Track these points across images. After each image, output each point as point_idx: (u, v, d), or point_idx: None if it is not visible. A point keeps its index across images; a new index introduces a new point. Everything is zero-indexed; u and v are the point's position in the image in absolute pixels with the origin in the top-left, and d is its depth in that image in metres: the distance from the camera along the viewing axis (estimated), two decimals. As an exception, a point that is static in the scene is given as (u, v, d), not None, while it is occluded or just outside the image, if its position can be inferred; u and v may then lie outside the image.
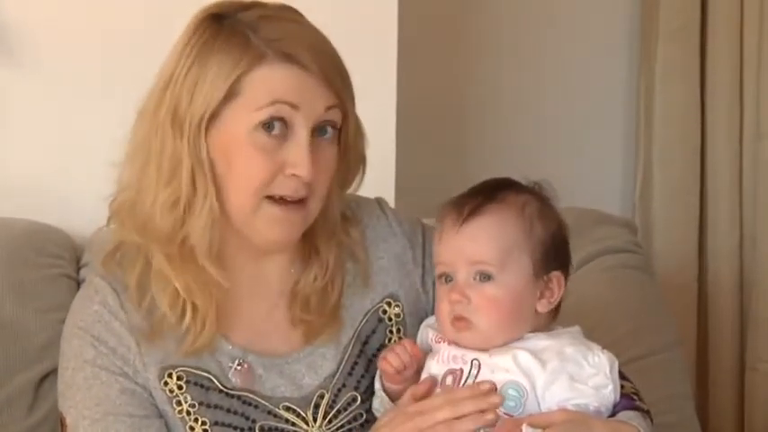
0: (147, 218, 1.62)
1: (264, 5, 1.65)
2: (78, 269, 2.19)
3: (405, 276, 1.77)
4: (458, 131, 3.02)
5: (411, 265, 1.77)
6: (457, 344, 1.63)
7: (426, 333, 1.70)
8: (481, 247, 1.62)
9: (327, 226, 1.71)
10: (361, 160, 1.72)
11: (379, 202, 1.83)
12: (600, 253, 2.37)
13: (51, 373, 2.05)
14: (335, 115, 1.63)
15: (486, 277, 1.61)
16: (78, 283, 2.17)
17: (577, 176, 3.01)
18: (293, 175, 1.60)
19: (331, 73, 1.61)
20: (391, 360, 1.64)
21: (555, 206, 1.69)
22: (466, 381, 1.60)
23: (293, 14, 1.66)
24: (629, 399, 1.63)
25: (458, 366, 1.61)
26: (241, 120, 1.59)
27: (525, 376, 1.57)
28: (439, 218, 1.68)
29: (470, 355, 1.61)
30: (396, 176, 2.34)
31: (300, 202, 1.63)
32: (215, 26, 1.61)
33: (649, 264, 2.63)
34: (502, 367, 1.59)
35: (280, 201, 1.61)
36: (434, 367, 1.64)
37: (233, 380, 1.67)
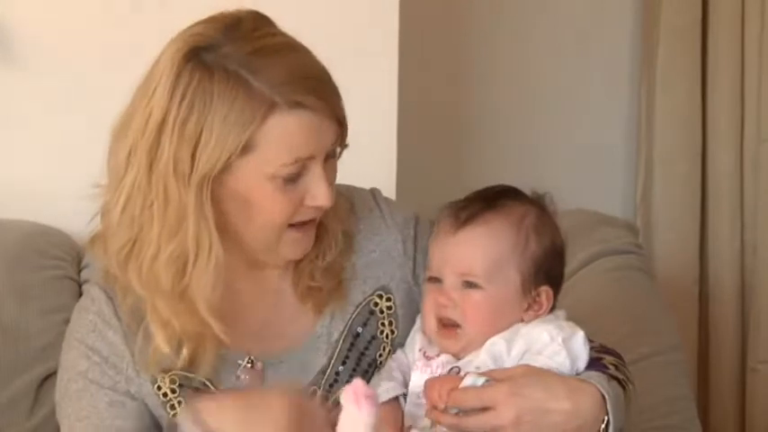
0: (148, 269, 1.60)
1: (240, 26, 1.58)
2: (79, 271, 2.20)
3: (396, 269, 1.76)
4: (459, 132, 3.02)
5: (402, 258, 1.77)
6: (443, 353, 1.64)
7: (415, 339, 1.70)
8: (470, 258, 1.62)
9: (332, 206, 1.69)
10: (343, 147, 1.69)
11: (374, 193, 1.82)
12: (601, 254, 2.37)
13: (52, 375, 2.04)
14: (340, 141, 1.63)
15: (472, 285, 1.62)
16: (80, 285, 2.17)
17: (579, 178, 3.01)
18: (314, 206, 1.61)
19: (333, 103, 1.60)
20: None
21: (554, 219, 1.68)
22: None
23: (273, 34, 1.61)
24: (601, 366, 1.62)
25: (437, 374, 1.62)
26: (258, 172, 1.57)
27: (495, 365, 1.58)
28: (436, 220, 1.69)
29: (449, 365, 1.62)
30: (397, 178, 2.34)
31: (313, 219, 1.65)
32: (203, 66, 1.55)
33: (650, 265, 2.63)
34: (474, 365, 1.59)
35: (299, 225, 1.63)
36: (418, 377, 1.64)
37: (241, 376, 1.68)
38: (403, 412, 1.64)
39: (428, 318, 1.65)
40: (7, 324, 2.06)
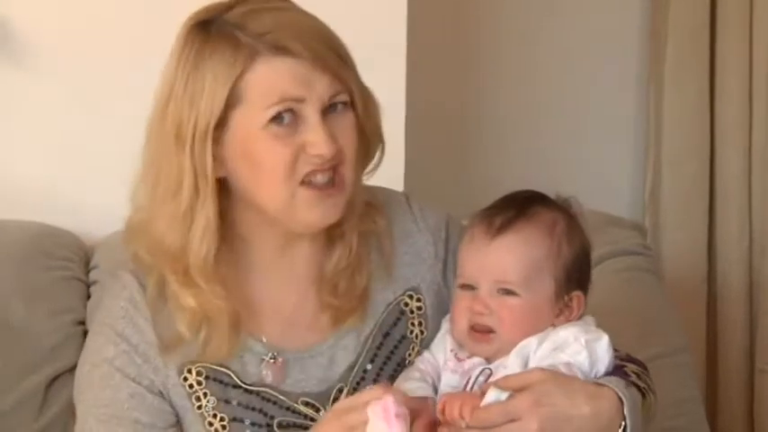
0: (157, 237, 1.62)
1: (247, 0, 1.63)
2: (88, 272, 2.20)
3: (427, 271, 1.77)
4: (467, 132, 3.02)
5: (433, 260, 1.77)
6: (473, 356, 1.64)
7: (445, 340, 1.70)
8: (507, 266, 1.63)
9: (353, 209, 1.69)
10: (379, 135, 1.71)
11: (407, 196, 1.83)
12: (609, 255, 2.37)
13: (61, 376, 2.06)
14: (340, 94, 1.62)
15: (508, 292, 1.63)
16: (88, 286, 2.18)
17: (587, 179, 3.00)
18: (315, 155, 1.60)
19: (326, 55, 1.60)
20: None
21: (581, 224, 1.69)
22: (472, 386, 1.61)
23: (278, 3, 1.65)
24: (622, 374, 1.63)
25: (466, 375, 1.63)
26: (250, 122, 1.59)
27: (523, 367, 1.59)
28: (468, 227, 1.69)
29: (481, 366, 1.62)
30: (405, 180, 2.34)
31: (334, 185, 1.63)
32: (203, 33, 1.60)
33: (658, 266, 2.63)
34: (513, 359, 1.60)
35: (312, 185, 1.61)
36: (449, 378, 1.65)
37: (264, 372, 1.68)
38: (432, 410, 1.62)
39: (460, 324, 1.65)
40: (15, 325, 2.06)
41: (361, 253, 1.72)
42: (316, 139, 1.59)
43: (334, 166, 1.62)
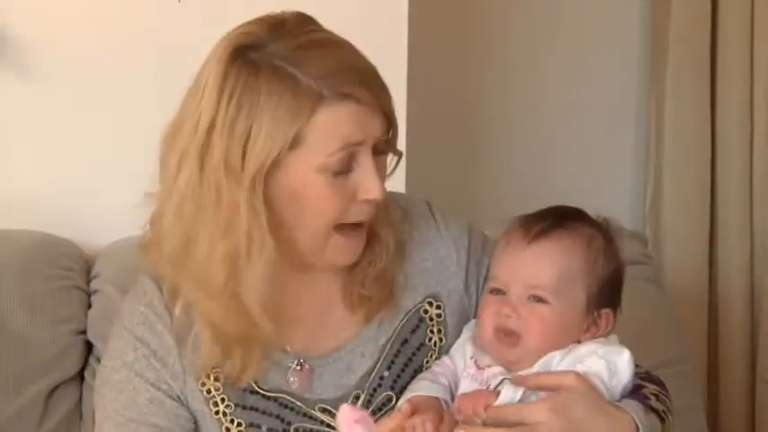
0: (201, 270, 1.60)
1: (285, 25, 1.60)
2: (89, 281, 2.19)
3: (448, 279, 1.77)
4: (467, 144, 3.02)
5: (455, 268, 1.77)
6: (492, 365, 1.63)
7: (465, 347, 1.70)
8: (541, 271, 1.63)
9: (384, 213, 1.70)
10: (395, 149, 1.70)
11: (429, 204, 1.83)
12: (610, 265, 2.36)
13: (61, 386, 2.06)
14: (387, 131, 1.63)
15: (539, 299, 1.62)
16: (89, 295, 2.17)
17: (587, 188, 3.01)
18: (366, 200, 1.60)
19: (380, 95, 1.60)
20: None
21: (618, 246, 1.69)
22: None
23: (318, 31, 1.63)
24: (642, 396, 1.63)
25: (484, 385, 1.62)
26: (308, 165, 1.57)
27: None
28: (505, 234, 1.69)
29: (501, 376, 1.61)
30: (405, 184, 2.34)
31: (362, 224, 1.64)
32: (249, 65, 1.56)
33: (660, 276, 2.63)
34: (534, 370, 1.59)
35: (347, 230, 1.62)
36: (468, 385, 1.64)
37: (291, 379, 1.68)
38: (446, 411, 1.63)
39: (486, 327, 1.64)
40: (16, 334, 2.06)
41: (391, 257, 1.72)
42: (370, 185, 1.59)
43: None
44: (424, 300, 1.75)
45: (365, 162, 1.59)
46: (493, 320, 1.63)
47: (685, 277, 2.97)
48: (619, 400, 1.59)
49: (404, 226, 1.75)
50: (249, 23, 1.61)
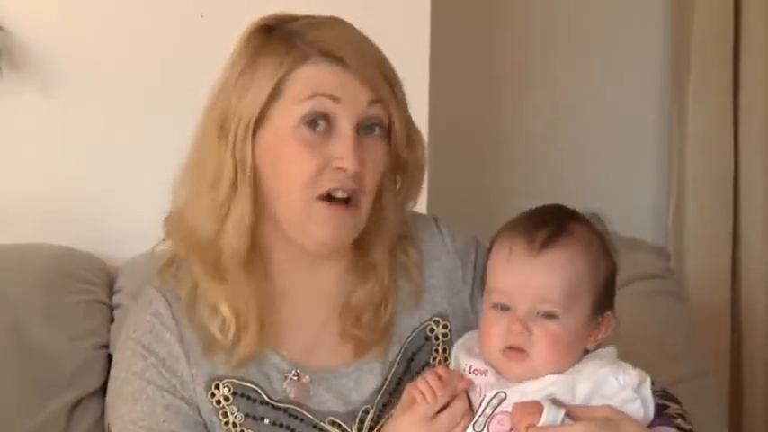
0: (192, 227, 1.65)
1: (313, 16, 1.67)
2: (111, 295, 2.20)
3: (454, 295, 1.77)
4: (489, 154, 3.02)
5: (461, 284, 1.77)
6: (493, 373, 1.61)
7: (457, 358, 1.68)
8: (551, 285, 1.57)
9: (384, 240, 1.71)
10: (422, 170, 1.72)
11: (435, 219, 1.83)
12: (631, 279, 2.36)
13: (84, 399, 2.06)
14: (378, 111, 1.63)
15: (549, 315, 1.58)
16: (111, 309, 2.18)
17: (610, 202, 2.97)
18: (339, 168, 1.60)
19: (372, 71, 1.62)
20: (421, 387, 1.61)
21: (610, 241, 1.65)
22: (485, 409, 1.58)
23: (342, 23, 1.68)
24: (668, 417, 1.62)
25: (482, 394, 1.60)
26: (285, 117, 1.61)
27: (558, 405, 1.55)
28: (503, 243, 1.62)
29: (496, 388, 1.59)
30: (428, 199, 2.33)
31: (349, 203, 1.63)
32: (264, 36, 1.64)
33: (682, 289, 2.62)
34: (533, 389, 1.57)
35: (329, 200, 1.62)
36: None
37: (287, 389, 1.68)
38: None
39: (495, 344, 1.59)
40: (39, 348, 2.07)
41: (390, 285, 1.72)
42: (342, 152, 1.60)
43: (353, 191, 1.62)
44: (431, 318, 1.75)
45: (343, 128, 1.61)
46: (502, 339, 1.58)
47: (708, 290, 2.96)
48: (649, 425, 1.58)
49: (413, 248, 1.75)
50: (283, 12, 1.69)
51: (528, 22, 3.01)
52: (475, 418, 1.58)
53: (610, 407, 1.54)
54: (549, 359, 1.57)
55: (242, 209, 1.62)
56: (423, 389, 1.59)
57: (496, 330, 1.59)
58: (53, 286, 2.13)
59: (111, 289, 2.22)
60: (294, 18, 1.66)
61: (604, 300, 1.62)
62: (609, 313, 1.63)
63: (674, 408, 1.66)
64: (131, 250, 2.20)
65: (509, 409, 1.56)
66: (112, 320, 2.16)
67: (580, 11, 3.04)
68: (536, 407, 1.53)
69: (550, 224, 1.60)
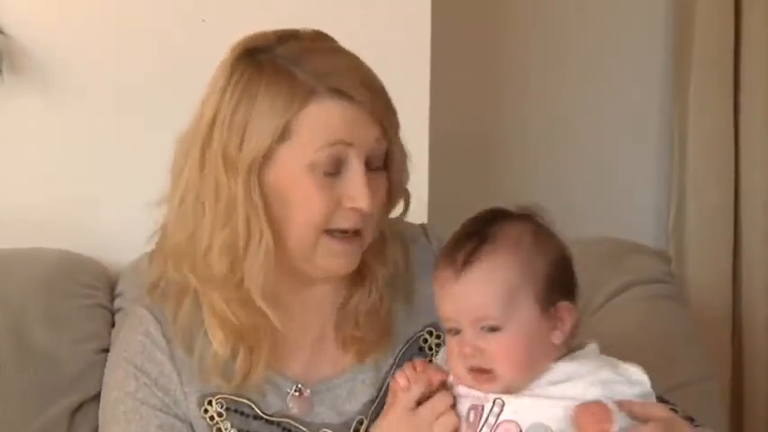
0: (203, 261, 1.61)
1: (298, 35, 1.63)
2: (112, 299, 2.20)
3: None
4: (490, 157, 3.02)
5: None
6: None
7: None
8: (480, 301, 1.56)
9: (376, 244, 1.70)
10: (402, 185, 1.71)
11: (424, 228, 1.83)
12: (632, 283, 2.36)
13: (85, 404, 2.06)
14: (383, 144, 1.62)
15: (492, 329, 1.56)
16: (112, 314, 2.18)
17: (611, 206, 3.00)
18: (352, 208, 1.60)
19: (378, 104, 1.60)
20: (398, 378, 1.61)
21: (551, 230, 1.62)
22: (487, 418, 1.57)
23: (331, 43, 1.66)
24: (689, 419, 1.63)
25: (479, 403, 1.58)
26: (296, 159, 1.58)
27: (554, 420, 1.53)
28: (435, 270, 1.62)
29: (493, 394, 1.58)
30: (428, 207, 2.34)
31: (357, 234, 1.63)
32: (254, 64, 1.59)
33: (683, 294, 2.62)
34: (528, 407, 1.55)
35: (337, 235, 1.61)
36: (459, 401, 1.61)
37: (290, 405, 1.68)
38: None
39: (458, 369, 1.59)
40: (40, 352, 2.06)
41: (382, 287, 1.72)
42: (356, 194, 1.59)
43: (358, 230, 1.62)
44: (424, 329, 1.75)
45: (354, 168, 1.59)
46: (461, 363, 1.57)
47: (709, 295, 2.96)
48: None
49: (402, 255, 1.74)
50: (263, 32, 1.64)
51: (528, 24, 3.01)
52: (479, 428, 1.57)
53: (664, 407, 1.55)
54: (512, 370, 1.56)
55: (265, 248, 1.59)
56: (399, 379, 1.61)
57: (456, 355, 1.59)
58: (54, 290, 2.13)
59: (112, 293, 2.22)
60: (279, 39, 1.62)
61: (554, 292, 1.58)
62: (564, 303, 1.59)
63: (681, 415, 1.65)
64: (132, 254, 2.19)
65: (511, 417, 1.55)
66: (113, 324, 2.16)
67: (580, 12, 3.04)
68: (603, 410, 1.50)
69: (471, 239, 1.59)
